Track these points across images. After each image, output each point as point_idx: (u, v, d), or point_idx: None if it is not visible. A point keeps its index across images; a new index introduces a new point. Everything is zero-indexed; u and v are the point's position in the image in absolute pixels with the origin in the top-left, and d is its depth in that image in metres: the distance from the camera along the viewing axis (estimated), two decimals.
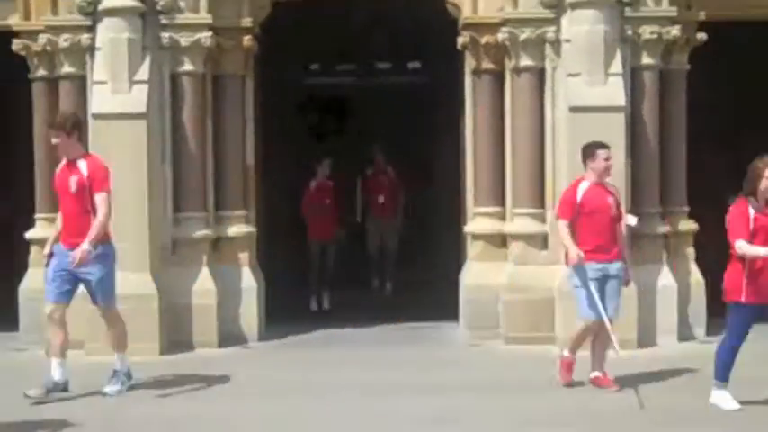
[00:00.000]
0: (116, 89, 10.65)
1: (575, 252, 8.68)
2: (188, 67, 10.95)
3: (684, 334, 10.83)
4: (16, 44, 11.21)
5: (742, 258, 8.02)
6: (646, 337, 10.47)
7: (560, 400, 8.53)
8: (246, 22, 11.14)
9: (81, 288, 9.15)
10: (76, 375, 9.15)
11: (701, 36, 11.00)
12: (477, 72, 11.27)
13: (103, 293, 8.97)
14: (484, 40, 11.07)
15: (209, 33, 10.88)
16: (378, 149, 14.56)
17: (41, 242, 11.17)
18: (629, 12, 10.71)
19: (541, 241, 10.93)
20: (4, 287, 11.31)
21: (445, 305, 11.61)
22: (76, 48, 10.89)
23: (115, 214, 10.34)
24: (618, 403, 8.39)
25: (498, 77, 11.20)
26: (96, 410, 8.43)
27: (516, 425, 7.84)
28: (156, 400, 8.80)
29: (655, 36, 10.74)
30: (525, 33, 10.81)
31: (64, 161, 9.01)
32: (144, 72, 10.71)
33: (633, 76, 10.80)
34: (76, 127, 8.89)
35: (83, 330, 10.35)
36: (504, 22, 10.89)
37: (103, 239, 8.86)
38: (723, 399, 8.16)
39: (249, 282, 11.16)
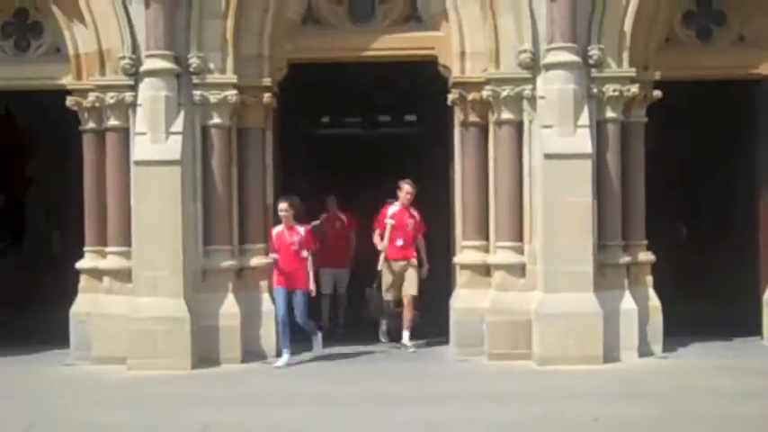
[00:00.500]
0: (155, 139, 10.69)
1: None
2: (216, 120, 11.00)
3: (644, 350, 10.78)
4: (69, 101, 11.27)
5: None
6: (610, 354, 10.44)
7: (533, 410, 8.48)
8: (267, 81, 11.19)
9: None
10: (118, 388, 9.16)
11: (657, 93, 11.04)
12: (464, 124, 11.31)
13: None
14: (470, 96, 11.12)
15: (235, 91, 10.94)
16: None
17: (90, 271, 11.26)
18: (594, 72, 10.74)
19: (520, 270, 10.92)
20: (60, 310, 11.32)
21: (437, 326, 11.59)
22: (121, 104, 10.94)
23: (154, 248, 10.47)
24: (581, 412, 8.35)
25: (483, 129, 11.22)
26: (139, 414, 8.39)
27: (495, 429, 7.82)
28: (188, 407, 8.78)
29: (617, 93, 10.77)
30: (506, 91, 10.84)
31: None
32: (179, 125, 10.75)
33: (598, 128, 10.81)
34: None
35: (124, 347, 10.39)
36: (488, 81, 10.93)
37: None
38: None
39: (268, 306, 11.13)
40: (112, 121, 11.07)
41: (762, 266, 11.94)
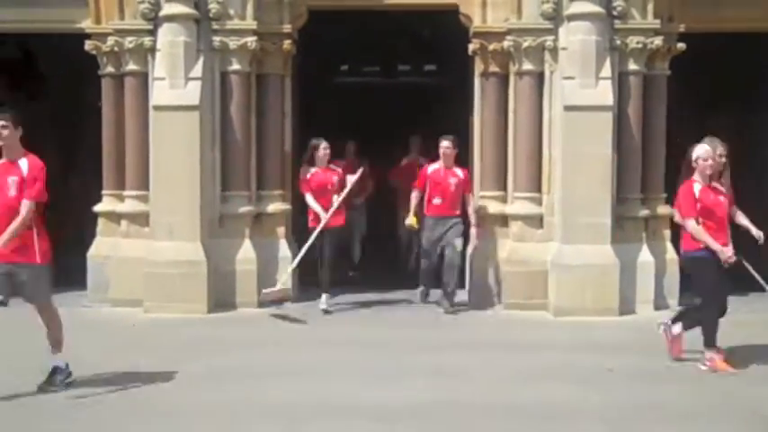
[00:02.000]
0: (173, 85, 10.72)
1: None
2: (235, 66, 11.00)
3: (660, 303, 10.83)
4: (88, 45, 11.30)
5: None
6: (626, 306, 10.49)
7: (548, 359, 8.56)
8: (287, 27, 11.17)
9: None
10: (135, 330, 9.27)
11: (681, 45, 10.96)
12: (484, 74, 11.28)
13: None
14: (491, 46, 11.08)
15: (254, 38, 10.93)
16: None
17: (107, 214, 11.35)
18: (618, 24, 10.68)
19: (538, 221, 10.96)
20: (76, 252, 11.43)
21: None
22: (140, 48, 10.96)
23: (171, 192, 10.53)
24: (596, 362, 8.39)
25: (503, 80, 11.20)
26: (155, 362, 8.50)
27: (510, 377, 7.89)
28: (206, 349, 8.88)
29: (640, 45, 10.72)
30: (527, 41, 10.81)
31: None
32: (197, 70, 10.77)
33: (620, 80, 10.79)
34: None
35: (141, 290, 10.49)
36: (509, 32, 10.89)
37: None
38: None
39: (285, 252, 11.23)
40: (131, 66, 11.10)
41: None
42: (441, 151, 10.99)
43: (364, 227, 13.46)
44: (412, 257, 12.95)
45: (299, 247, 11.02)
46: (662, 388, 7.59)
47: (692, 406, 7.09)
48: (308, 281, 11.37)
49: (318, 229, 10.60)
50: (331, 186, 10.84)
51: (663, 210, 11.07)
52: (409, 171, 12.67)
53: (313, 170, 10.88)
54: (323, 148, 10.89)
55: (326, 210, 10.67)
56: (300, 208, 11.43)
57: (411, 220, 11.13)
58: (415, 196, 11.10)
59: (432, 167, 11.12)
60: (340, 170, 11.06)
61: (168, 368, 8.13)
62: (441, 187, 10.95)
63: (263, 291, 10.60)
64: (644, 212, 10.95)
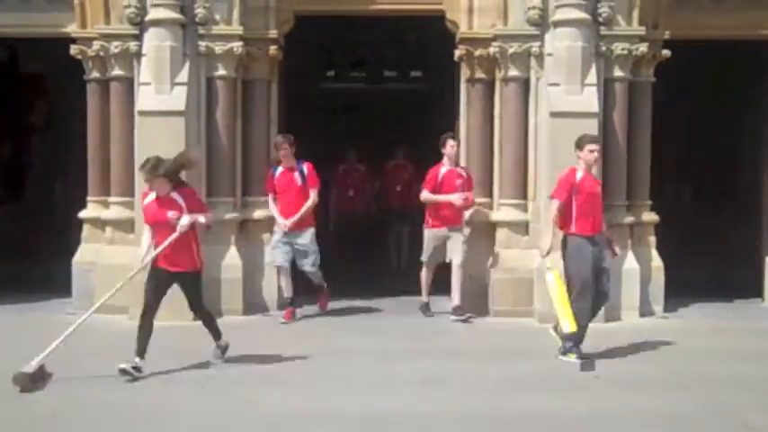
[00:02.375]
0: (159, 90, 10.69)
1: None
2: (221, 72, 10.98)
3: (645, 310, 10.85)
4: (73, 49, 11.26)
5: None
6: (611, 313, 10.49)
7: (534, 367, 8.56)
8: (273, 33, 11.16)
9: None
10: (120, 338, 9.21)
11: (666, 52, 11.00)
12: (470, 80, 11.29)
13: None
14: (477, 52, 11.09)
15: (241, 43, 10.91)
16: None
17: (92, 221, 11.30)
18: (603, 30, 10.72)
19: (523, 228, 10.98)
20: (62, 259, 11.37)
21: (440, 282, 11.62)
22: (125, 53, 10.93)
23: None
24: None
25: (489, 86, 11.22)
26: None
27: (496, 385, 7.89)
28: (189, 358, 8.84)
29: (625, 52, 10.75)
30: (513, 48, 10.83)
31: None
32: (183, 75, 10.74)
33: (606, 87, 10.81)
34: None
35: (126, 297, 10.42)
36: (495, 38, 10.91)
37: None
38: None
39: (271, 259, 11.19)
40: (117, 71, 11.06)
41: (764, 229, 11.98)
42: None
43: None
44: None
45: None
46: (648, 395, 7.61)
47: (678, 413, 7.10)
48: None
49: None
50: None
51: (648, 217, 11.11)
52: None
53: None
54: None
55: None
56: None
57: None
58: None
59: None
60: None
61: (152, 374, 8.11)
62: None
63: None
64: (629, 219, 10.98)
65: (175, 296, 9.88)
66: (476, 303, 10.97)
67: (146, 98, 10.68)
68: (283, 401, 7.35)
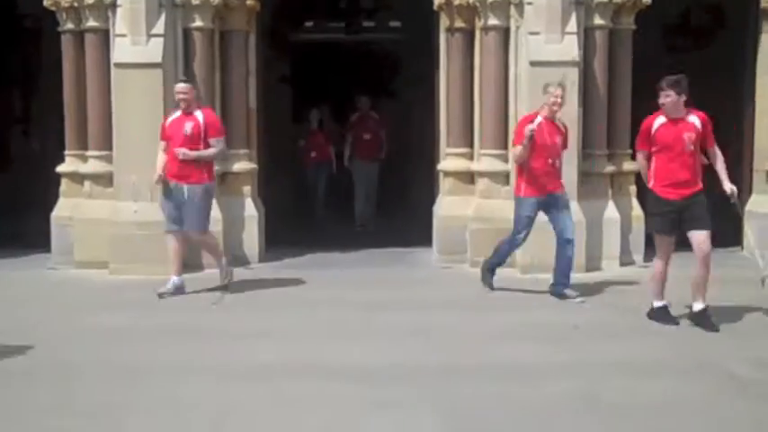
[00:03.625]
0: (135, 41, 10.52)
1: None
2: (199, 23, 10.82)
3: (625, 260, 10.86)
4: (47, 0, 11.04)
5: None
6: (591, 262, 10.51)
7: (515, 317, 8.56)
8: None
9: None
10: (101, 292, 9.19)
11: (646, 0, 10.90)
12: (450, 30, 11.17)
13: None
14: (457, 1, 10.95)
15: None
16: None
17: (70, 175, 11.19)
18: None
19: (504, 178, 10.91)
20: (39, 215, 11.28)
21: (421, 233, 11.62)
22: (100, 4, 10.72)
23: (134, 152, 10.38)
24: (562, 320, 8.43)
25: (469, 35, 11.10)
26: (115, 320, 8.44)
27: (477, 336, 7.90)
28: (168, 312, 8.81)
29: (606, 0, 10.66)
30: None
31: None
32: (160, 27, 10.57)
33: (586, 35, 10.72)
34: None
35: (106, 251, 10.38)
36: None
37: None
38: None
39: (251, 211, 11.14)
40: (91, 23, 10.87)
41: (744, 178, 11.97)
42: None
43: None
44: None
45: (265, 206, 10.93)
46: (629, 344, 7.64)
47: (659, 362, 7.14)
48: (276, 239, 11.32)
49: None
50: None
51: (628, 166, 11.06)
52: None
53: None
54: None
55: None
56: (266, 166, 11.37)
57: None
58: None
59: None
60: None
61: (137, 328, 8.09)
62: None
63: None
64: (609, 168, 10.95)
65: (151, 250, 9.89)
66: (455, 253, 10.97)
67: (122, 50, 10.52)
68: (269, 353, 7.33)
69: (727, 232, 11.69)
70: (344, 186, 14.46)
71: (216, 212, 10.80)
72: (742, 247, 11.65)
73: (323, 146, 14.68)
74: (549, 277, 9.63)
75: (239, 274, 10.53)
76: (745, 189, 11.83)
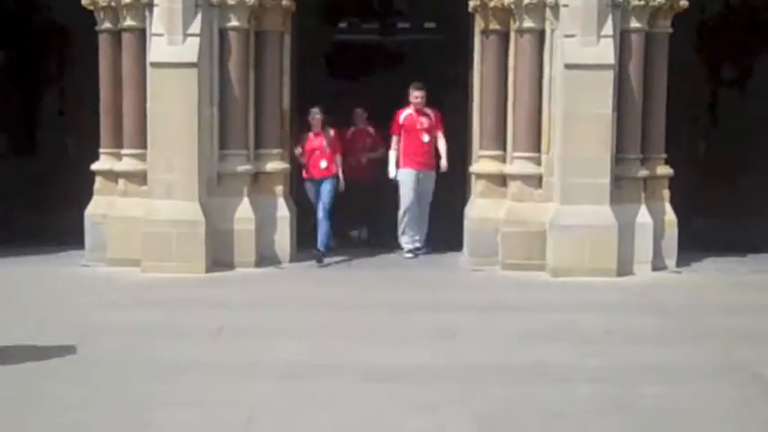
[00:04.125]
0: (171, 41, 10.61)
1: None
2: (234, 23, 10.89)
3: (658, 264, 10.81)
4: (84, 0, 11.16)
5: None
6: (624, 267, 10.47)
7: (546, 320, 8.55)
8: None
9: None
10: (134, 290, 9.26)
11: (684, 3, 10.85)
12: (485, 32, 11.17)
13: None
14: (492, 3, 10.96)
15: None
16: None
17: (105, 173, 11.29)
18: None
19: (537, 181, 10.91)
20: (75, 211, 11.39)
21: (452, 235, 11.61)
22: (137, 3, 10.83)
23: (169, 151, 10.46)
24: (594, 323, 8.41)
25: (503, 37, 11.10)
26: (149, 318, 8.51)
27: (509, 338, 7.89)
28: (202, 309, 8.87)
29: (642, 2, 10.61)
30: None
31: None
32: (196, 26, 10.65)
33: (622, 38, 10.68)
34: None
35: (139, 249, 10.46)
36: None
37: None
38: None
39: (283, 211, 11.19)
40: (128, 22, 10.97)
41: None
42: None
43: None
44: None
45: (297, 206, 11.03)
46: (660, 349, 7.59)
47: (690, 367, 7.09)
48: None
49: None
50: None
51: (662, 170, 11.03)
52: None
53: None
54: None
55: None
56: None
57: None
58: None
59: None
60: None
61: (168, 326, 8.15)
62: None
63: None
64: (643, 173, 10.90)
65: (184, 248, 9.98)
66: (487, 256, 10.97)
67: (158, 49, 10.61)
68: (300, 353, 7.36)
69: (763, 237, 11.67)
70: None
71: (248, 212, 10.91)
72: None
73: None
74: (579, 280, 9.63)
75: (271, 273, 10.60)
76: None
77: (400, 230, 11.63)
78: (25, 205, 12.95)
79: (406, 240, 11.63)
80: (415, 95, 11.55)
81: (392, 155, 11.65)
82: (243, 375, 6.79)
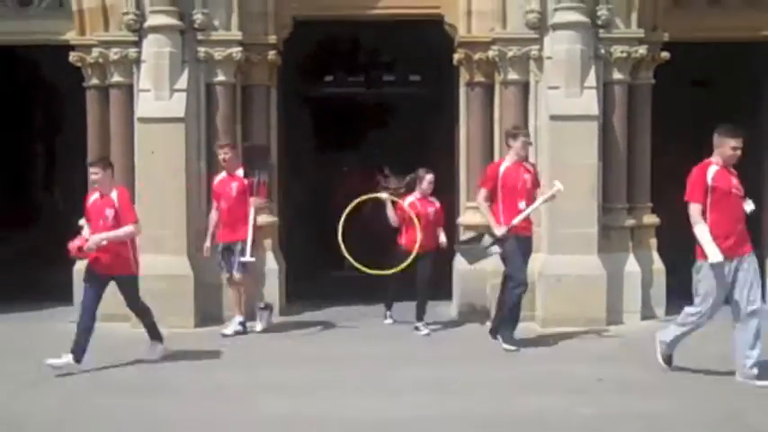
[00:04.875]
0: (159, 96, 10.69)
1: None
2: (221, 77, 10.98)
3: (647, 314, 10.84)
4: (73, 56, 11.25)
5: None
6: (613, 316, 10.49)
7: (537, 370, 8.56)
8: (272, 39, 11.17)
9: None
10: (123, 345, 9.22)
11: (665, 54, 11.01)
12: (470, 84, 11.30)
13: None
14: (476, 56, 11.10)
15: (240, 48, 10.92)
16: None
17: None
18: (602, 33, 10.74)
19: None
20: (63, 268, 11.34)
21: (441, 287, 11.60)
22: (125, 60, 10.93)
23: (158, 206, 10.45)
24: (585, 373, 8.41)
25: (488, 89, 11.22)
26: (138, 373, 8.47)
27: (501, 389, 7.88)
28: (191, 366, 8.83)
29: (624, 54, 10.76)
30: (512, 51, 10.84)
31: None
32: (183, 82, 10.74)
33: (605, 90, 10.83)
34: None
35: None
36: (494, 41, 10.91)
37: None
38: None
39: (272, 264, 11.20)
40: (116, 78, 11.06)
41: (765, 231, 11.97)
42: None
43: None
44: None
45: (286, 260, 10.98)
46: (652, 398, 7.61)
47: (683, 417, 7.11)
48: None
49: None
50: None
51: (649, 219, 11.10)
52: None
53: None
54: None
55: None
56: (287, 220, 11.43)
57: None
58: None
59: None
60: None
61: (159, 382, 8.10)
62: None
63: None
64: (630, 222, 10.98)
65: (173, 303, 9.96)
66: (476, 308, 10.97)
67: (145, 105, 10.68)
68: (285, 407, 7.34)
69: None
70: None
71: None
72: (765, 301, 11.60)
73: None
74: (569, 330, 9.64)
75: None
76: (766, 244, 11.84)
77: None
78: (14, 260, 12.90)
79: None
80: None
81: None
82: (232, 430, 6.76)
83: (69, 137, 12.87)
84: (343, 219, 10.04)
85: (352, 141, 15.53)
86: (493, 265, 10.82)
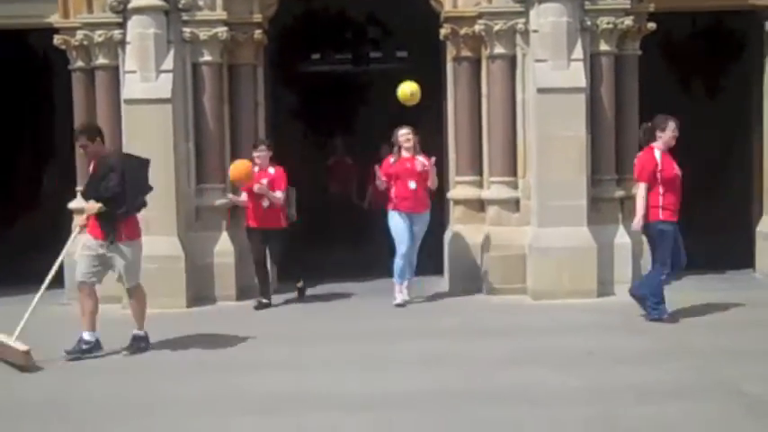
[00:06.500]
0: (144, 78, 10.63)
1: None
2: (207, 57, 10.92)
3: None
4: (57, 39, 11.19)
5: None
6: (604, 288, 10.50)
7: (528, 343, 8.55)
8: (257, 17, 11.11)
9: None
10: (114, 327, 9.20)
11: (651, 25, 10.97)
12: (456, 59, 11.25)
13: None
14: (463, 31, 11.05)
15: (225, 28, 10.86)
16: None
17: (82, 211, 11.20)
18: (588, 4, 10.69)
19: (514, 205, 10.96)
20: (53, 250, 11.29)
21: (432, 261, 11.61)
22: (109, 42, 10.86)
23: None
24: (575, 345, 8.41)
25: (475, 64, 11.18)
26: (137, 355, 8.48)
27: (492, 363, 7.89)
28: (184, 346, 8.82)
29: (611, 26, 10.72)
30: (498, 25, 10.78)
31: None
32: (169, 62, 10.67)
33: (592, 61, 10.79)
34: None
35: (118, 286, 10.39)
36: (480, 15, 10.86)
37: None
38: None
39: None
40: (101, 60, 10.99)
41: (754, 199, 11.98)
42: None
43: None
44: None
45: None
46: (642, 368, 7.61)
47: (672, 386, 7.10)
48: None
49: None
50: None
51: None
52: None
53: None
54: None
55: None
56: None
57: None
58: None
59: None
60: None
61: (150, 361, 8.09)
62: None
63: None
64: (619, 193, 10.97)
65: (164, 283, 9.95)
66: (467, 281, 10.98)
67: (131, 86, 10.62)
68: (286, 385, 7.33)
69: (740, 254, 11.73)
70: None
71: (227, 245, 10.91)
72: (754, 269, 11.66)
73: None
74: (560, 303, 9.65)
75: (251, 307, 10.54)
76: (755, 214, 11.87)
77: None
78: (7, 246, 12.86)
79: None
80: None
81: None
82: (232, 409, 6.76)
83: (57, 120, 12.78)
84: None
85: (340, 122, 15.49)
86: (484, 236, 10.85)
